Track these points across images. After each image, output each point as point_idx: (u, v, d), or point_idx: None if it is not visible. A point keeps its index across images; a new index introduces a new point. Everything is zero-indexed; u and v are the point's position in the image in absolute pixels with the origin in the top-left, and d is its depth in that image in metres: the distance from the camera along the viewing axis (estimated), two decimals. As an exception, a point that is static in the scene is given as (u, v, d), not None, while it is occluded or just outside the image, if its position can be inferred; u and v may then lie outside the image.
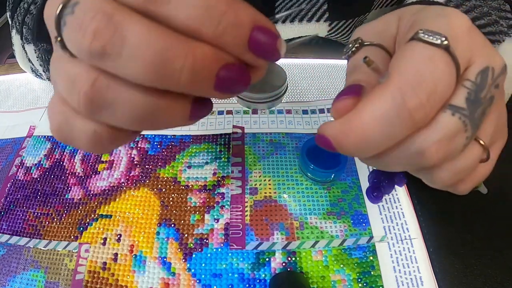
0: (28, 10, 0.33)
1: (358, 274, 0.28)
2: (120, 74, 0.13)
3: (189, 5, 0.12)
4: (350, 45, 0.18)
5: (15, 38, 0.36)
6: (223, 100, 0.41)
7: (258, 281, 0.28)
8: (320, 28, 0.40)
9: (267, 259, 0.29)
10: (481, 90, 0.16)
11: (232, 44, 0.13)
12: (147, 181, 0.35)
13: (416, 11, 0.18)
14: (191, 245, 0.30)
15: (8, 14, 0.37)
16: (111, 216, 0.32)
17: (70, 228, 0.32)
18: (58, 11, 0.13)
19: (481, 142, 0.17)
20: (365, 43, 0.18)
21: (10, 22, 0.36)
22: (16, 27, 0.35)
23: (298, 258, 0.29)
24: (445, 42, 0.14)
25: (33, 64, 0.36)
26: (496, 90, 0.16)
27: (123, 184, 0.34)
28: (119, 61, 0.12)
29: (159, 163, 0.36)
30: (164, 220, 0.32)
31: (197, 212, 0.32)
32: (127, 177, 0.35)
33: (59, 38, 0.13)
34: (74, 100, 0.14)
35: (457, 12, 0.16)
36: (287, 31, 0.40)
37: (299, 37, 0.42)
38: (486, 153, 0.18)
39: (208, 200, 0.33)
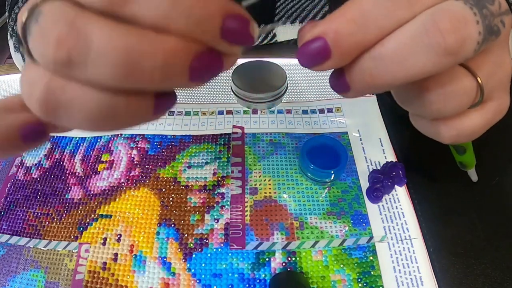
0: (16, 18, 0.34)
1: (358, 274, 0.28)
2: (89, 79, 0.13)
3: (155, 2, 0.12)
4: None
5: (10, 42, 0.36)
6: (223, 100, 0.41)
7: (258, 281, 0.28)
8: None
9: (267, 259, 0.29)
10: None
11: (205, 36, 0.13)
12: (147, 181, 0.35)
13: None
14: (191, 245, 0.30)
15: (7, 14, 0.37)
16: (111, 216, 0.32)
17: (70, 228, 0.32)
18: (24, 20, 0.13)
19: (473, 73, 0.17)
20: None
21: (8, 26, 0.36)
22: (10, 33, 0.35)
23: (298, 258, 0.29)
24: None
25: None
26: (501, 25, 0.16)
27: (123, 184, 0.34)
28: (86, 67, 0.12)
29: (159, 163, 0.36)
30: (164, 220, 0.32)
31: (197, 212, 0.32)
32: (127, 177, 0.35)
33: (26, 47, 0.13)
34: (32, 106, 0.14)
35: None
36: (288, 32, 0.40)
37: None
38: (480, 92, 0.17)
39: (208, 200, 0.33)
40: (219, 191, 0.33)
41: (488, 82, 0.18)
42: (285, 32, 0.40)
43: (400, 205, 0.32)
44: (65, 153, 0.38)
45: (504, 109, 0.20)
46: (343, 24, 0.15)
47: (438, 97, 0.17)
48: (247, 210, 0.32)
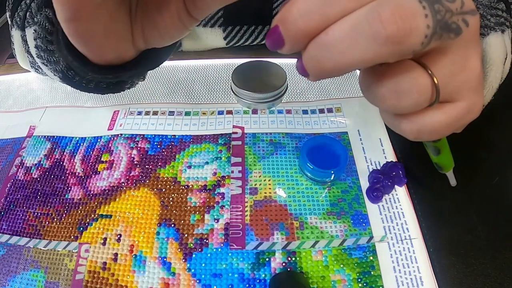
0: (30, 5, 0.33)
1: (358, 274, 0.28)
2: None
3: None
4: None
5: (16, 35, 0.35)
6: (223, 100, 0.41)
7: (258, 281, 0.28)
8: None
9: (267, 259, 0.29)
10: None
11: None
12: (147, 181, 0.35)
13: None
14: (191, 245, 0.30)
15: (7, 14, 0.37)
16: (111, 216, 0.32)
17: (70, 228, 0.32)
18: None
19: (429, 71, 0.17)
20: None
21: (9, 22, 0.36)
22: (17, 23, 0.34)
23: (298, 258, 0.29)
24: None
25: (31, 56, 0.36)
26: (463, 24, 0.16)
27: (123, 184, 0.34)
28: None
29: (159, 163, 0.36)
30: (164, 220, 0.32)
31: (197, 212, 0.32)
32: (127, 177, 0.35)
33: None
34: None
35: None
36: None
37: None
38: (435, 91, 0.17)
39: (208, 200, 0.33)
40: (219, 191, 0.33)
41: (449, 82, 0.18)
42: None
43: (400, 205, 0.32)
44: (65, 153, 0.38)
45: (476, 110, 0.19)
46: (291, 13, 0.16)
47: (391, 93, 0.18)
48: (247, 210, 0.32)
